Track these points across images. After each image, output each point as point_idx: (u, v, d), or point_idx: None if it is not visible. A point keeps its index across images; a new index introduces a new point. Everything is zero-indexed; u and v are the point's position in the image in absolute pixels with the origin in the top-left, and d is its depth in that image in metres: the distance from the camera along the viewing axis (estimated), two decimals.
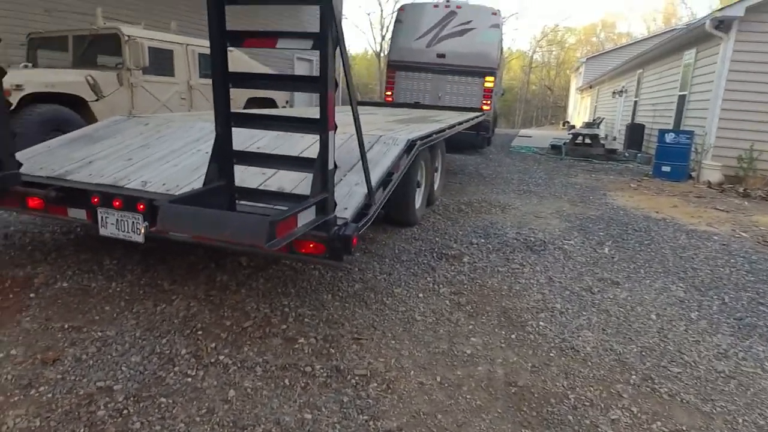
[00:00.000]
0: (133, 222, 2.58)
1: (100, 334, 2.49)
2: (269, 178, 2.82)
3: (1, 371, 2.15)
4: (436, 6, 11.36)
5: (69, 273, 3.13)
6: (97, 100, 6.20)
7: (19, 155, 3.27)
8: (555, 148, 12.42)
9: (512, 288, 3.40)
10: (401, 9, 11.91)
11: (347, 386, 2.20)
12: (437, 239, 4.34)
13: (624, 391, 2.29)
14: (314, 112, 2.09)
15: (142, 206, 2.56)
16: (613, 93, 16.79)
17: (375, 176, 2.86)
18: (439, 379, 2.31)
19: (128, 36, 6.44)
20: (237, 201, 2.40)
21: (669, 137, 8.62)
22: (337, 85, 2.44)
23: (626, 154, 11.77)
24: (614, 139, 15.76)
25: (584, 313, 3.08)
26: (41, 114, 5.49)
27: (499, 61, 11.80)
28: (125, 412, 1.95)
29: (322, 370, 2.30)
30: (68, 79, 5.99)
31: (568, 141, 12.61)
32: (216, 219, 1.71)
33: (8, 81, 5.28)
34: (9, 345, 2.35)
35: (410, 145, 3.46)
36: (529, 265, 3.85)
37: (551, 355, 2.59)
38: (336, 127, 2.09)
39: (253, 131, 3.26)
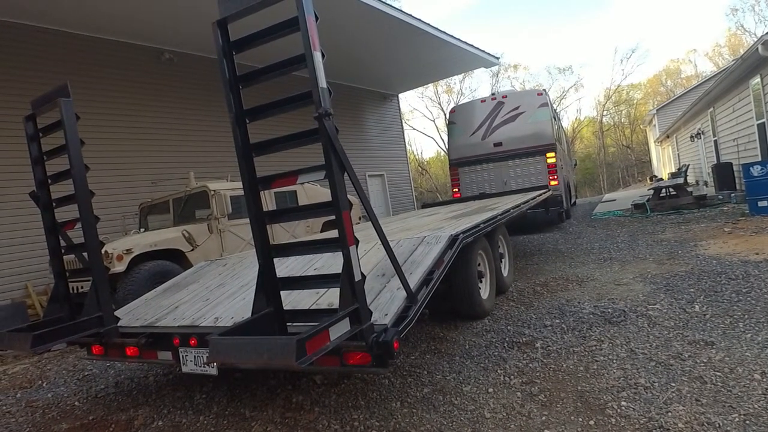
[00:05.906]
0: (205, 357, 2.87)
1: None
2: (321, 297, 3.05)
3: None
4: (483, 101, 12.01)
5: (165, 411, 3.45)
6: (192, 250, 7.10)
7: (122, 310, 3.83)
8: (638, 207, 11.74)
9: (589, 368, 3.18)
10: (452, 111, 12.72)
11: None
12: (509, 327, 4.23)
13: None
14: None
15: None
16: (691, 137, 15.90)
17: (416, 276, 2.99)
18: None
19: (213, 190, 7.48)
20: (290, 324, 2.61)
21: (756, 170, 7.92)
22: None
23: (720, 197, 10.84)
24: (705, 183, 14.61)
25: (673, 384, 2.79)
26: (148, 270, 6.36)
27: (557, 135, 11.92)
28: None
29: None
30: (168, 237, 6.97)
31: (651, 197, 11.91)
32: (254, 345, 1.92)
33: (120, 247, 6.30)
34: None
35: (453, 241, 3.57)
36: (608, 339, 3.60)
37: None
38: (358, 242, 2.30)
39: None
